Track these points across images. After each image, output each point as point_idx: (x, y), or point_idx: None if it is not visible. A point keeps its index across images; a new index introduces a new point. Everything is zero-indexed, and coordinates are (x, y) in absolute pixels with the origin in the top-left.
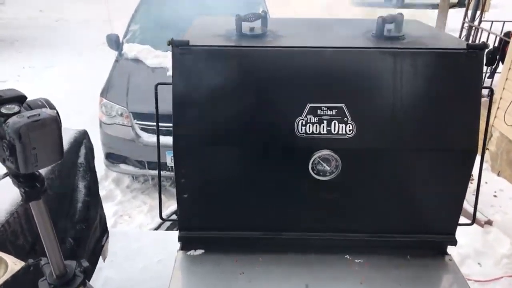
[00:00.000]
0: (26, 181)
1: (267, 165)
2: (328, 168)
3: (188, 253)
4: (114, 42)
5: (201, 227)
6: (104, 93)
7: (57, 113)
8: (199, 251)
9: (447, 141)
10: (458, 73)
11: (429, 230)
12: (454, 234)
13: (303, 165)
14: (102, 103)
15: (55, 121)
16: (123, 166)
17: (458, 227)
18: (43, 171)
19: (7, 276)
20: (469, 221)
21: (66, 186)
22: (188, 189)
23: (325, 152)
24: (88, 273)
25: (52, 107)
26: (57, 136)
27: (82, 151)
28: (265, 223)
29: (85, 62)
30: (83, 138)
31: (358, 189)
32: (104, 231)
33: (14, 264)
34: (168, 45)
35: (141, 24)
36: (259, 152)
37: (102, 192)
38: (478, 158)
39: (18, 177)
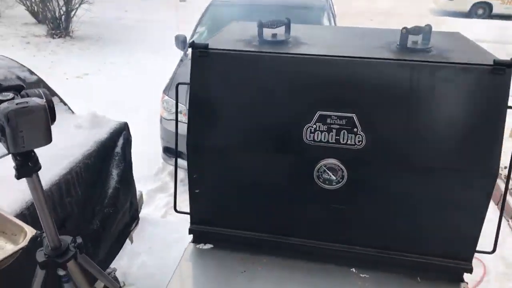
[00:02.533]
0: (20, 159)
1: (274, 170)
2: (334, 178)
3: (198, 246)
4: (181, 43)
5: (211, 223)
6: (167, 90)
7: (49, 103)
8: (208, 246)
9: (464, 162)
10: (481, 89)
11: (442, 253)
12: (470, 261)
13: (308, 173)
14: (163, 99)
15: (43, 109)
16: (179, 160)
17: (478, 255)
18: (80, 155)
19: (24, 243)
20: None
21: (100, 172)
22: (200, 185)
23: (330, 161)
24: (81, 248)
25: (47, 97)
26: (44, 122)
27: (120, 141)
28: (272, 226)
29: (158, 60)
30: (122, 129)
31: (365, 202)
32: (134, 218)
33: (33, 234)
34: (189, 47)
35: (208, 27)
36: (266, 156)
37: (157, 184)
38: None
39: (15, 155)
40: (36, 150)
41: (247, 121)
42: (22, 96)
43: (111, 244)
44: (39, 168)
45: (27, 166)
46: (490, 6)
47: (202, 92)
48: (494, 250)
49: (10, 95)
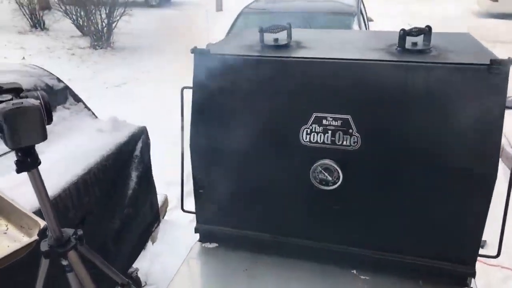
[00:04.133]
0: (20, 155)
1: (273, 170)
2: (330, 178)
3: (204, 245)
4: None
5: (216, 222)
6: None
7: (46, 104)
8: (213, 244)
9: (462, 162)
10: (478, 89)
11: (444, 256)
12: (473, 264)
13: (305, 173)
14: None
15: (37, 110)
16: None
17: (481, 259)
18: (98, 157)
19: (36, 236)
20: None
21: (120, 174)
22: (203, 185)
23: (326, 162)
24: (82, 240)
25: (45, 99)
26: (38, 121)
27: (139, 145)
28: (274, 226)
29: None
30: (141, 133)
31: (362, 202)
32: (155, 219)
33: None
34: (192, 53)
35: None
36: (266, 157)
37: (188, 188)
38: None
39: (16, 151)
40: (58, 152)
41: (246, 123)
42: (21, 98)
43: (132, 243)
44: (39, 164)
45: (26, 162)
46: None
47: (204, 96)
48: (498, 255)
49: (9, 96)
